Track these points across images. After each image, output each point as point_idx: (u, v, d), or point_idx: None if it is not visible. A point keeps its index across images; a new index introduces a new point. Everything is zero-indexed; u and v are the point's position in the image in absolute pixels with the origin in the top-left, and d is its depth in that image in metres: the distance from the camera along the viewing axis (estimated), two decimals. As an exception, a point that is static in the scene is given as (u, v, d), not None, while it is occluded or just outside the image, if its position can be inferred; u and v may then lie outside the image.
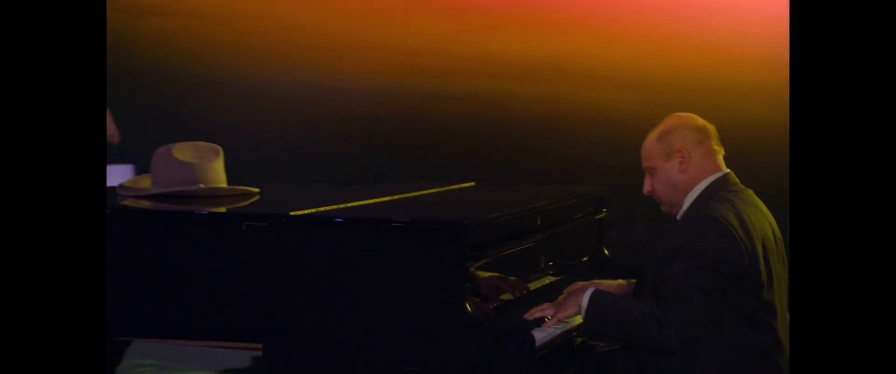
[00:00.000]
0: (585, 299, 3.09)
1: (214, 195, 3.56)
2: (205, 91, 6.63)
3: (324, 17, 6.47)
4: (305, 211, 3.05)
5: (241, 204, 3.51)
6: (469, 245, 2.95)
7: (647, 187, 3.28)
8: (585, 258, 3.89)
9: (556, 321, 3.14)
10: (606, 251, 3.95)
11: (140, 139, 5.62)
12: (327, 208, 3.13)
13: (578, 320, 3.15)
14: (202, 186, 3.53)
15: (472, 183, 4.15)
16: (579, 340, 3.34)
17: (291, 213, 3.02)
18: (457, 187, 4.02)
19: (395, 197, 3.54)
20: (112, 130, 6.11)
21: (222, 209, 3.36)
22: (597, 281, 3.39)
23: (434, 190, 3.86)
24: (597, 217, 3.94)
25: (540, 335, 3.02)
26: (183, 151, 3.59)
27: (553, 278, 3.65)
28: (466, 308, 2.89)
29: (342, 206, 3.20)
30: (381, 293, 2.93)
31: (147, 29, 6.75)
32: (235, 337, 3.07)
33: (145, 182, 3.65)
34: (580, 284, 3.31)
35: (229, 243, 3.05)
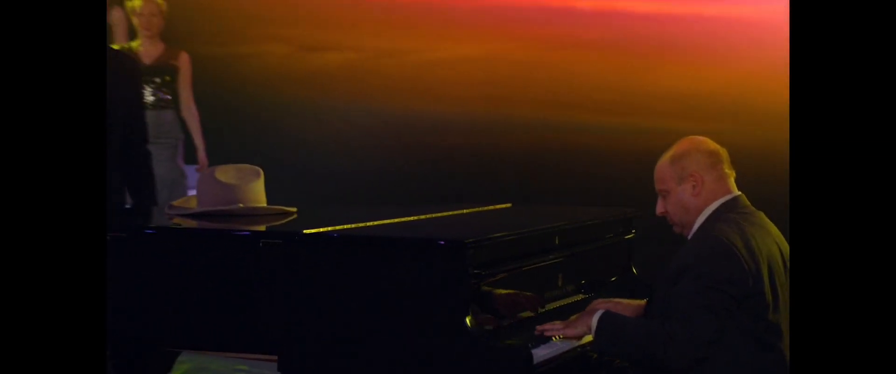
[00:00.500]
0: (595, 321, 3.20)
1: (252, 214, 3.77)
2: (372, 124, 6.93)
3: (488, 52, 6.71)
4: (317, 230, 3.23)
5: (276, 222, 3.72)
6: (472, 263, 3.09)
7: (659, 209, 3.38)
8: (614, 278, 3.99)
9: (559, 335, 3.26)
10: (635, 270, 4.04)
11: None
12: (340, 226, 3.31)
13: (588, 338, 3.26)
14: (241, 205, 3.76)
15: (509, 205, 4.28)
16: (595, 355, 3.44)
17: (304, 231, 3.22)
18: (490, 208, 4.17)
19: (420, 217, 3.70)
20: (202, 158, 6.51)
21: (258, 227, 3.56)
22: (616, 300, 3.49)
23: (464, 211, 4.01)
24: (627, 237, 4.04)
25: (542, 352, 3.14)
26: (225, 173, 3.82)
27: (583, 296, 3.77)
28: (465, 323, 3.02)
29: (356, 226, 3.37)
30: (385, 308, 3.09)
31: (320, 63, 7.12)
32: (253, 348, 3.27)
33: (193, 202, 3.90)
34: (599, 301, 3.43)
35: (248, 259, 3.25)
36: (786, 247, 3.33)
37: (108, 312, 2.79)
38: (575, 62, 6.48)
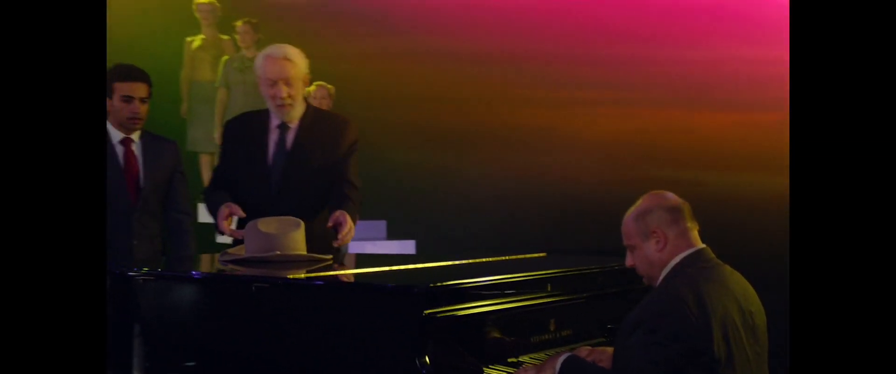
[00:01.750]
0: (559, 364, 3.38)
1: (288, 260, 4.16)
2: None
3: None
4: (301, 275, 3.57)
5: (312, 267, 4.07)
6: (429, 307, 3.31)
7: (628, 262, 3.53)
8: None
9: None
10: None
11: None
12: (324, 273, 3.63)
13: (553, 382, 3.43)
14: (278, 252, 4.15)
15: (544, 254, 4.47)
16: None
17: (289, 276, 3.56)
18: (521, 256, 4.38)
19: (426, 265, 3.96)
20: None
21: (293, 273, 3.86)
22: (601, 349, 3.64)
23: (491, 259, 4.25)
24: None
25: (498, 393, 3.35)
26: (267, 224, 4.23)
27: (603, 338, 3.96)
28: (417, 364, 3.27)
29: (345, 272, 3.68)
30: (353, 347, 3.35)
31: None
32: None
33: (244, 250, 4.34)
34: (582, 349, 3.59)
35: (245, 300, 3.61)
36: (751, 301, 3.39)
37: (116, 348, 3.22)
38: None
